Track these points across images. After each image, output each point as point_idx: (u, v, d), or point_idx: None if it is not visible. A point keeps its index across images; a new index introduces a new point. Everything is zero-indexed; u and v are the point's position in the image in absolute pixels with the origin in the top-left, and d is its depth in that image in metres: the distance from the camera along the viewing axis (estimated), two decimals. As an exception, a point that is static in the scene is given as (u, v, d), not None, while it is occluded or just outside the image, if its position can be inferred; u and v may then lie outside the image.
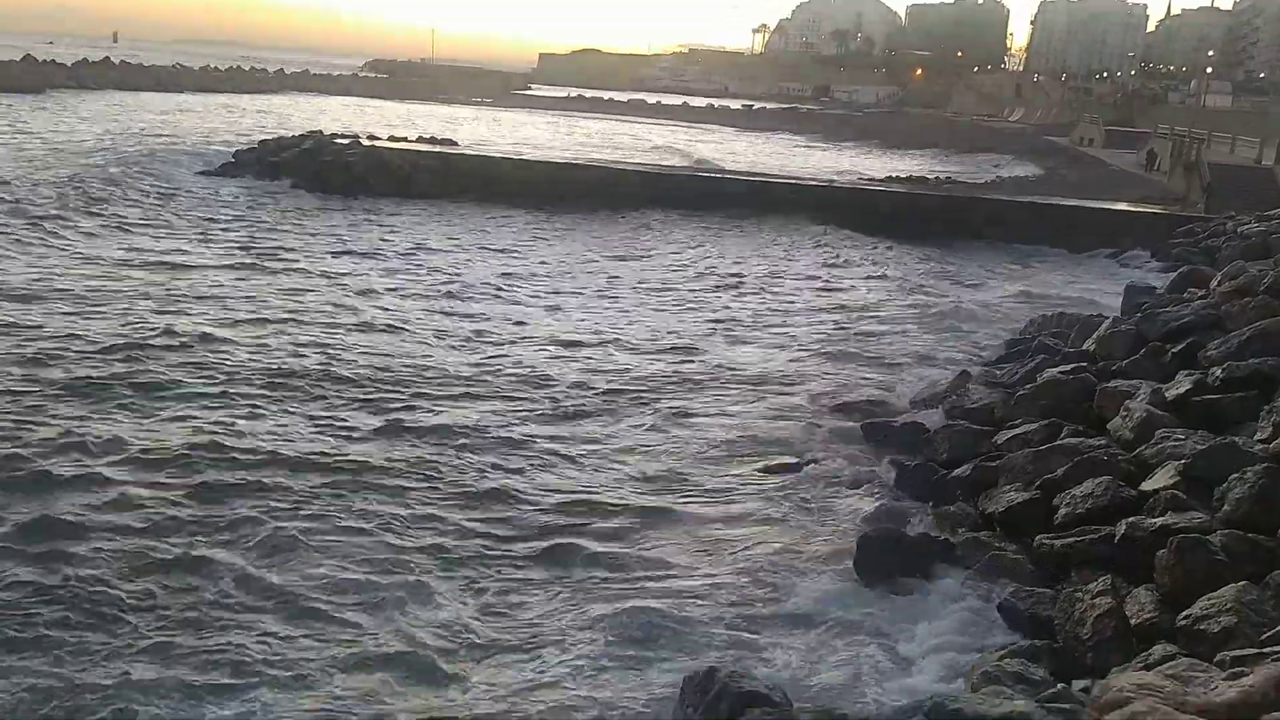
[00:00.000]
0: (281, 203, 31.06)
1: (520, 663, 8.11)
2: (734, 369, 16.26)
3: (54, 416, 12.19)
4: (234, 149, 38.95)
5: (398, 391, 14.12)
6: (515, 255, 25.92)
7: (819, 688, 7.67)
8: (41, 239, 22.66)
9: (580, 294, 21.81)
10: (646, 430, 13.36)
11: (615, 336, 18.08)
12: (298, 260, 22.79)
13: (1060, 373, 12.88)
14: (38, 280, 18.70)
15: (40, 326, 15.65)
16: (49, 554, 9.12)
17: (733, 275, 24.61)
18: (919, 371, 15.93)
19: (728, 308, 21.12)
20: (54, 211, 25.85)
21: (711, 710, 6.63)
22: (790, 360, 16.94)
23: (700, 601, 9.08)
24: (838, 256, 27.66)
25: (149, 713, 7.18)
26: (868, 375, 15.94)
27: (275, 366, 14.70)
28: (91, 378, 13.61)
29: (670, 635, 8.47)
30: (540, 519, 10.60)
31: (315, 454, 11.69)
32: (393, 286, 21.00)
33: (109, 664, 7.73)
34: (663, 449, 12.71)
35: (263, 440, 11.96)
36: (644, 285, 23.16)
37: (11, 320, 15.86)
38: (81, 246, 22.42)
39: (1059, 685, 6.37)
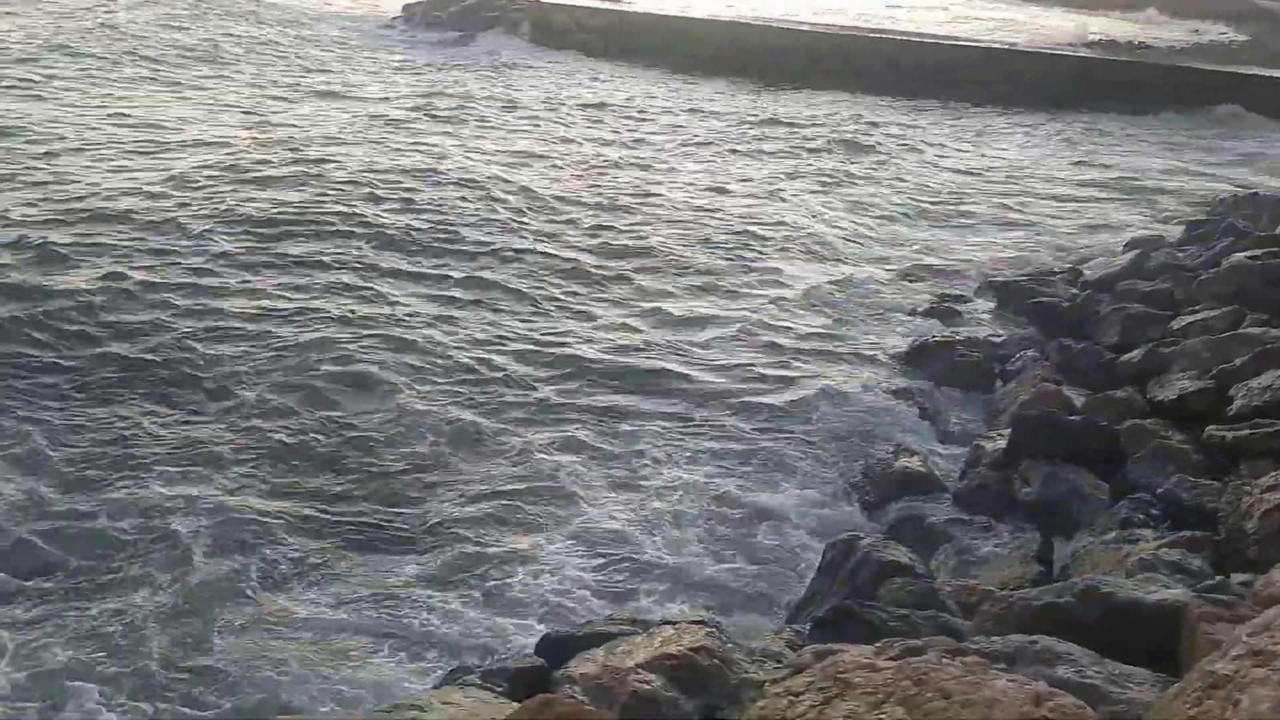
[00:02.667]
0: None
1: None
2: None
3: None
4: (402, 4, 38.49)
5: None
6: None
7: (967, 566, 7.65)
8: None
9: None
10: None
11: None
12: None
13: (1248, 257, 12.13)
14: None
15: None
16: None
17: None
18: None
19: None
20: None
21: (852, 578, 6.68)
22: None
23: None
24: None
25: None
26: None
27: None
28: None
29: (828, 500, 8.68)
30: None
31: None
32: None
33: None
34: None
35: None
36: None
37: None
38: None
39: (1218, 578, 6.17)
